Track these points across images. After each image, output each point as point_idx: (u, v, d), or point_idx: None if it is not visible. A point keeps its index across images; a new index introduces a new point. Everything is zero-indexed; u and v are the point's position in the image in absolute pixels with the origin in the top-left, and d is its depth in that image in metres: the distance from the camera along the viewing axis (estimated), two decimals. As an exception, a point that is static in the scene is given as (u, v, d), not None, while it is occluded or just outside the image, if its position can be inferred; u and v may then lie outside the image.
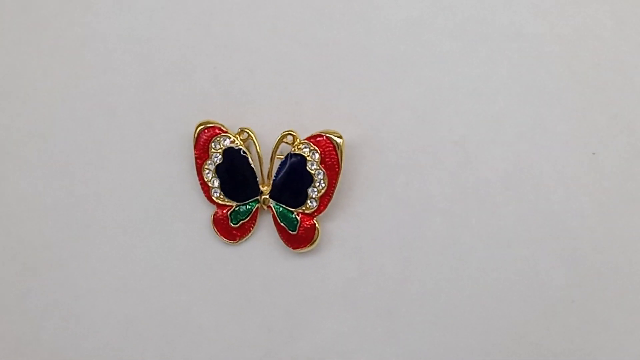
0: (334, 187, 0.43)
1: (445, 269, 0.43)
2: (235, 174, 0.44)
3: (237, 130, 0.44)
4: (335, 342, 0.44)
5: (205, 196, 0.45)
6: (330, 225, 0.44)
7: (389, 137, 0.43)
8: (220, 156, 0.44)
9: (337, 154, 0.42)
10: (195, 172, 0.45)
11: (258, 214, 0.44)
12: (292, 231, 0.44)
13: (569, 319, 0.43)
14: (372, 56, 0.43)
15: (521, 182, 0.43)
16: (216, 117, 0.44)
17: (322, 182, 0.43)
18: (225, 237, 0.45)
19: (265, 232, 0.45)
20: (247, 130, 0.43)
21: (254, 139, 0.43)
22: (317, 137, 0.42)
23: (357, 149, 0.44)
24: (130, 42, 0.45)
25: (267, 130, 0.44)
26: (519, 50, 0.42)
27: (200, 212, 0.45)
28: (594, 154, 0.42)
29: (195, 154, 0.44)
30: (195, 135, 0.44)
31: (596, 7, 0.42)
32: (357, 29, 0.43)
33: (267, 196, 0.44)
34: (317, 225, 0.43)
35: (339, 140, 0.42)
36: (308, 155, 0.42)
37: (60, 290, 0.46)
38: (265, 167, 0.44)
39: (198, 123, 0.44)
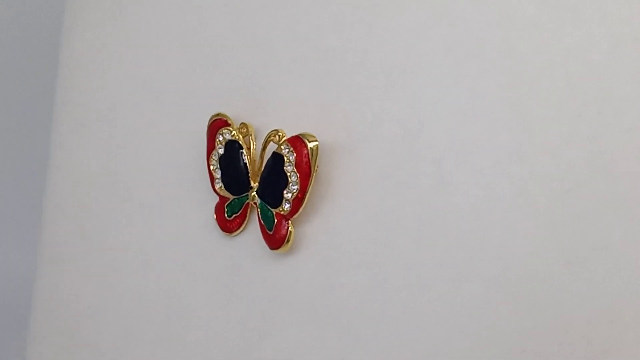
0: (306, 192, 0.42)
1: (405, 294, 0.41)
2: (232, 167, 0.45)
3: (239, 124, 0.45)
4: (296, 351, 0.44)
5: (211, 186, 0.46)
6: (309, 230, 0.44)
7: (374, 149, 0.42)
8: (222, 148, 0.45)
9: (309, 158, 0.42)
10: (208, 161, 0.47)
11: (248, 210, 0.45)
12: (269, 230, 0.44)
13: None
14: (371, 65, 0.43)
15: (489, 213, 0.39)
16: (236, 112, 0.46)
17: (295, 185, 0.43)
18: (222, 228, 0.46)
19: (255, 228, 0.45)
20: (246, 126, 0.45)
21: (251, 134, 0.44)
22: (294, 139, 0.42)
23: (345, 157, 0.43)
24: (175, 37, 0.48)
25: (271, 128, 0.44)
26: (508, 70, 0.39)
27: (210, 201, 0.47)
28: (567, 192, 0.38)
29: (206, 144, 0.46)
30: (208, 126, 0.46)
31: (591, 31, 0.38)
32: (361, 37, 0.43)
33: (255, 193, 0.44)
34: (290, 228, 0.43)
35: (312, 144, 0.42)
36: (286, 156, 0.43)
37: (100, 257, 0.50)
38: (257, 163, 0.44)
39: (212, 114, 0.46)
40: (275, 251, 0.44)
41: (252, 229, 0.45)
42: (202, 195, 0.47)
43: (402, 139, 0.41)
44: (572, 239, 0.38)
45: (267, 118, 0.45)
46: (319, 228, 0.44)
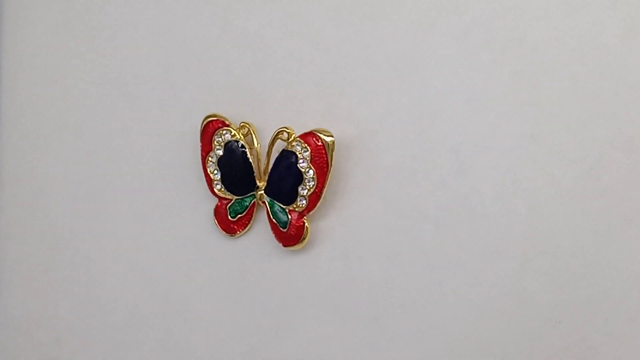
0: (323, 187, 0.43)
1: (431, 279, 0.42)
2: (234, 168, 0.44)
3: (239, 124, 0.44)
4: (319, 344, 0.44)
5: (209, 188, 0.45)
6: (322, 225, 0.44)
7: (387, 140, 0.43)
8: (221, 149, 0.44)
9: (326, 153, 0.42)
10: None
11: (254, 209, 0.45)
12: (283, 228, 0.44)
13: (554, 340, 0.40)
14: (376, 58, 0.43)
15: (513, 195, 0.41)
16: (226, 111, 0.45)
17: (311, 180, 0.43)
18: (224, 230, 0.45)
19: (261, 227, 0.45)
20: (248, 125, 0.44)
21: (253, 134, 0.44)
22: (308, 135, 0.42)
23: (355, 150, 0.43)
24: (150, 37, 0.47)
25: (271, 126, 0.44)
26: (521, 57, 0.41)
27: (205, 204, 0.46)
28: (591, 169, 0.40)
29: (200, 146, 0.45)
30: (202, 127, 0.45)
31: (603, 15, 0.40)
32: (363, 31, 0.43)
33: (263, 192, 0.44)
34: (306, 224, 0.43)
35: (328, 139, 0.42)
36: (299, 153, 0.43)
37: (76, 269, 0.48)
38: (262, 162, 0.44)
39: (205, 116, 0.45)
40: (290, 248, 0.44)
41: (258, 228, 0.45)
42: (193, 199, 0.46)
43: (416, 128, 0.42)
44: (598, 212, 0.40)
45: (263, 117, 0.45)
46: (334, 222, 0.44)
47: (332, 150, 0.42)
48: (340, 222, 0.44)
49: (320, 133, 0.42)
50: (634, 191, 0.40)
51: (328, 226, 0.44)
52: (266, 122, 0.45)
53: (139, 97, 0.47)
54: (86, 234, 0.48)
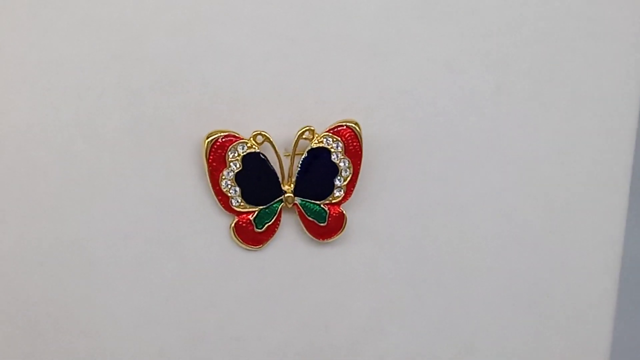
0: (358, 173, 0.44)
1: (458, 233, 0.47)
2: (256, 179, 0.44)
3: (249, 135, 0.43)
4: (370, 319, 0.46)
5: (223, 206, 0.44)
6: (350, 213, 0.45)
7: (383, 120, 0.45)
8: (239, 163, 0.43)
9: (359, 141, 0.44)
10: (206, 184, 0.44)
11: (282, 214, 0.45)
12: (322, 223, 0.45)
13: (552, 249, 0.48)
14: (354, 47, 0.45)
15: (498, 138, 0.47)
16: (213, 126, 0.43)
17: (347, 170, 0.44)
18: (249, 244, 0.45)
19: (286, 231, 0.45)
20: (262, 134, 0.43)
21: (271, 141, 0.43)
22: (337, 128, 0.44)
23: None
24: (106, 61, 0.42)
25: (269, 130, 0.44)
26: (477, 24, 0.46)
27: (216, 225, 0.45)
28: (541, 104, 0.47)
29: (209, 165, 0.43)
30: (207, 146, 0.43)
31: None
32: (335, 20, 0.44)
33: (291, 194, 0.44)
34: (344, 212, 0.45)
35: (357, 127, 0.44)
36: (331, 147, 0.43)
37: (76, 343, 0.43)
38: (285, 166, 0.44)
39: (208, 133, 0.43)
40: (329, 240, 0.45)
41: (282, 232, 0.45)
42: (200, 224, 0.45)
43: (404, 103, 0.46)
44: (552, 134, 0.47)
45: (259, 123, 0.44)
46: (358, 207, 0.46)
47: (361, 137, 0.44)
48: (363, 205, 0.46)
49: (349, 123, 0.44)
50: (571, 115, 0.48)
51: (354, 213, 0.46)
52: (264, 127, 0.44)
53: (109, 131, 0.43)
54: (77, 300, 0.43)
